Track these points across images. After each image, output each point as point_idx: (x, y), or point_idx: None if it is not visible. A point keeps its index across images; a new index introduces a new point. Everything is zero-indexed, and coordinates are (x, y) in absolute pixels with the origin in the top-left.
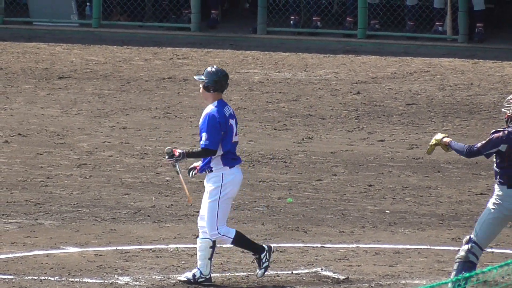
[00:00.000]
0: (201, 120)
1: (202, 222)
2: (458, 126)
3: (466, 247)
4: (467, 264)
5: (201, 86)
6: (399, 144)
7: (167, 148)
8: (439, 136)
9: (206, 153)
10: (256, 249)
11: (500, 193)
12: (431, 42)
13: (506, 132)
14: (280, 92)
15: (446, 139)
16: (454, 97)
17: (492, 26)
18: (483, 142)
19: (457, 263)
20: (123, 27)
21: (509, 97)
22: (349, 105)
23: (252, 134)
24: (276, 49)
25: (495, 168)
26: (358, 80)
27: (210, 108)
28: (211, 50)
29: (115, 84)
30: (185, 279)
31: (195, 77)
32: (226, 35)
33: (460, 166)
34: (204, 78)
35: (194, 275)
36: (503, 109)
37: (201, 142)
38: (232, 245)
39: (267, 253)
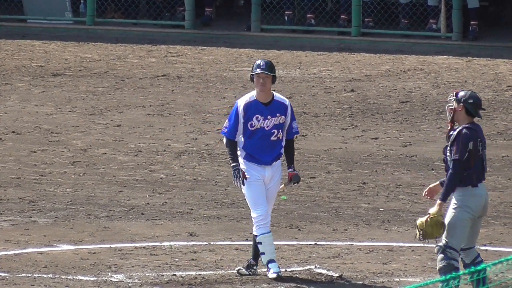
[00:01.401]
0: (291, 109)
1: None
2: None
3: (441, 256)
4: (454, 270)
5: (266, 79)
6: (393, 142)
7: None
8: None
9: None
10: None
11: (467, 195)
12: (425, 40)
13: (466, 129)
14: (274, 90)
15: (437, 207)
16: (448, 95)
17: (486, 23)
18: (457, 150)
19: (442, 273)
20: (117, 24)
21: (451, 94)
22: (343, 103)
23: None
24: (270, 46)
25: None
26: (352, 78)
27: (281, 96)
28: (205, 47)
29: (109, 82)
30: (275, 275)
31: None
32: (220, 33)
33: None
34: (272, 72)
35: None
36: (447, 106)
37: (296, 130)
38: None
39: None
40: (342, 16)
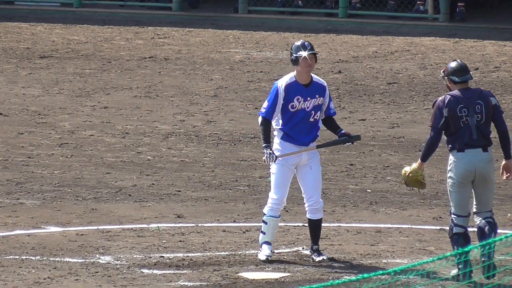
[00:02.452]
0: (328, 91)
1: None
2: None
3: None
4: (455, 238)
5: (313, 59)
6: (380, 123)
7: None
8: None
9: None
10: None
11: (452, 159)
12: (412, 21)
13: (442, 97)
14: (262, 72)
15: (416, 164)
16: (435, 76)
17: (473, 5)
18: (432, 116)
19: (451, 241)
20: (104, 6)
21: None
22: (331, 84)
23: (233, 113)
24: (257, 28)
25: (445, 138)
26: (340, 59)
27: (318, 78)
28: (192, 29)
29: (96, 64)
30: (264, 257)
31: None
32: (207, 15)
33: (442, 145)
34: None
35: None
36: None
37: (333, 111)
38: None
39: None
40: None
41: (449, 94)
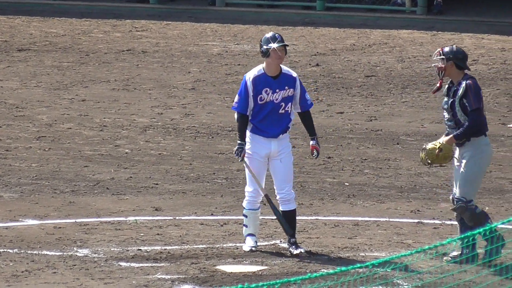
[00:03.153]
0: (299, 83)
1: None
2: (417, 98)
3: (468, 214)
4: (483, 214)
5: (283, 51)
6: (358, 116)
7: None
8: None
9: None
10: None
11: (482, 144)
12: (390, 14)
13: (469, 80)
14: (239, 64)
15: (450, 140)
16: (413, 69)
17: None
18: (474, 100)
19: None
20: None
21: (435, 51)
22: (308, 77)
23: (211, 106)
24: (235, 21)
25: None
26: (317, 52)
27: (288, 69)
28: (170, 22)
29: (74, 57)
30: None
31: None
32: (185, 8)
33: (420, 138)
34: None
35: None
36: (433, 64)
37: (310, 102)
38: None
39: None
40: None
41: (472, 78)
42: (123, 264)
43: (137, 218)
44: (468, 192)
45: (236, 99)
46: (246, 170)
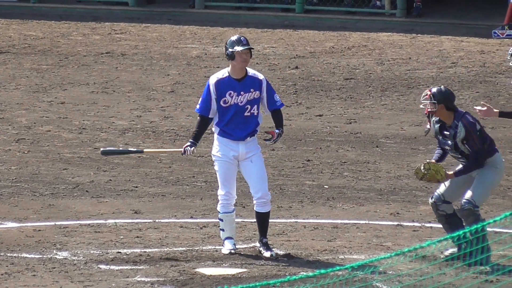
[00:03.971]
0: (267, 85)
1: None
2: (397, 100)
3: (472, 218)
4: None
5: (248, 54)
6: (338, 118)
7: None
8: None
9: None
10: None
11: (496, 159)
12: (369, 17)
13: (464, 121)
14: (218, 67)
15: (449, 173)
16: (392, 71)
17: (430, 0)
18: (475, 141)
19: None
20: (61, 2)
21: (424, 93)
22: (287, 80)
23: (190, 109)
24: (214, 24)
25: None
26: (296, 55)
27: (255, 72)
28: (149, 25)
29: (53, 59)
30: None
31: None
32: (164, 10)
33: (399, 141)
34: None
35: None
36: (421, 106)
37: (279, 103)
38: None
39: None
40: None
41: (464, 115)
42: (102, 266)
43: (116, 220)
44: (480, 197)
45: (199, 101)
46: (217, 173)
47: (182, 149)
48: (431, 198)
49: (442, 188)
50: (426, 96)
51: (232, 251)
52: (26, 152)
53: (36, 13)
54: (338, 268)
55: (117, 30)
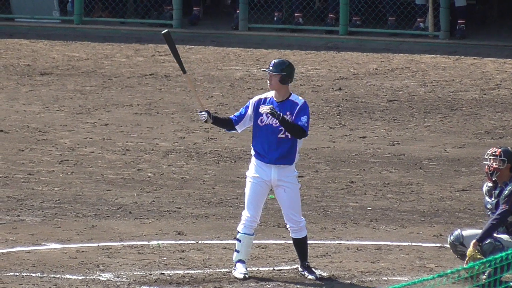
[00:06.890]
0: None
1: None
2: (440, 122)
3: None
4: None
5: (273, 77)
6: (381, 140)
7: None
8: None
9: (302, 133)
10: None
11: None
12: (412, 39)
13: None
14: (262, 89)
15: (472, 246)
16: (435, 93)
17: (473, 22)
18: (507, 200)
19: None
20: (104, 23)
21: (492, 150)
22: (331, 102)
23: (233, 130)
24: (258, 45)
25: None
26: (340, 77)
27: (299, 97)
28: (193, 46)
29: (97, 81)
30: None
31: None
32: (207, 32)
33: (442, 163)
34: (277, 71)
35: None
36: (485, 163)
37: (302, 123)
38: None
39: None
40: (329, 15)
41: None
42: None
43: (159, 242)
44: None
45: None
46: (246, 194)
47: (203, 112)
48: (451, 236)
49: (466, 231)
50: (496, 153)
51: (246, 275)
52: (69, 173)
53: (79, 35)
54: None
55: (161, 52)
